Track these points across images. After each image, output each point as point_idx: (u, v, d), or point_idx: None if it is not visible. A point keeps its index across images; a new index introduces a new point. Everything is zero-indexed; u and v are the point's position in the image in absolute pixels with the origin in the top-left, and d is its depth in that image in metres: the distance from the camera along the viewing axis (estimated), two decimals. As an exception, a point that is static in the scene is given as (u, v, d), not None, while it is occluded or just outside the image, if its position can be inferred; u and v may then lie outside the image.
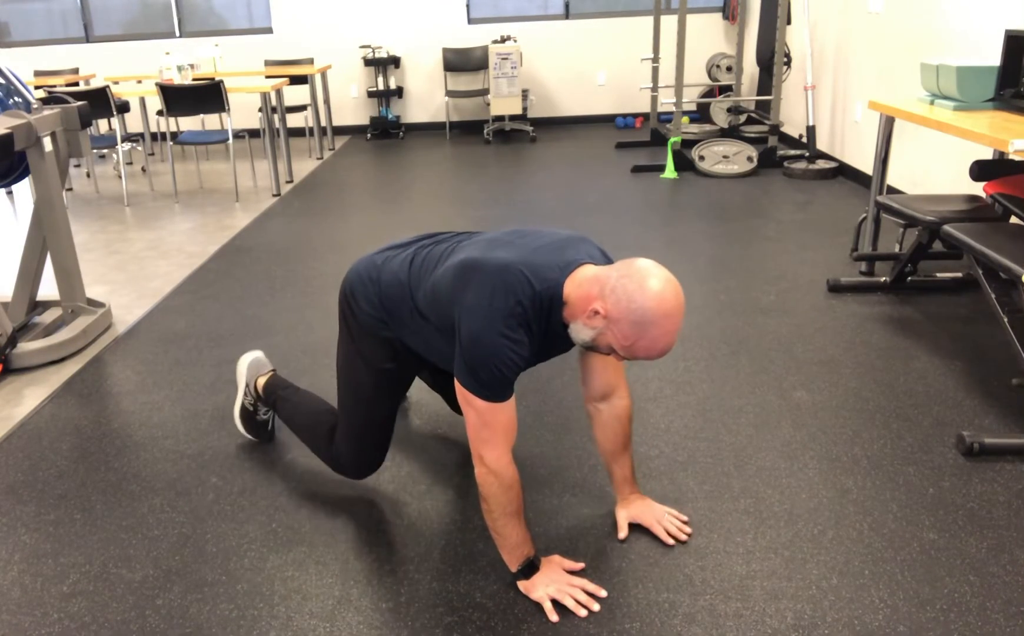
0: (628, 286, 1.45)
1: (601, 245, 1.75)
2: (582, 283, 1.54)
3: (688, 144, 6.07)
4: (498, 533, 1.67)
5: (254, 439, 2.35)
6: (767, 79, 6.34)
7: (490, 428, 1.58)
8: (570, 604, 1.64)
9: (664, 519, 1.87)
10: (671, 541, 1.84)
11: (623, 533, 1.86)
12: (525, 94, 7.63)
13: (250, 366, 2.31)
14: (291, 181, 5.91)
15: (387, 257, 1.86)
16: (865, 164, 5.03)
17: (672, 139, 5.55)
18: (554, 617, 1.62)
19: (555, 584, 1.68)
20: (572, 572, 1.74)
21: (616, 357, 1.55)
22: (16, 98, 3.08)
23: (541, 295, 1.54)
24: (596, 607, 1.64)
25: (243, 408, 2.32)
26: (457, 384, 1.58)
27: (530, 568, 1.69)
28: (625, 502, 1.91)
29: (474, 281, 1.56)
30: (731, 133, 6.57)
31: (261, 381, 2.28)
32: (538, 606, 1.66)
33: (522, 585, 1.70)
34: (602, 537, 1.87)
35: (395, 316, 1.82)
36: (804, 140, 6.09)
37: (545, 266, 1.56)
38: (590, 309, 1.50)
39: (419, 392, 2.61)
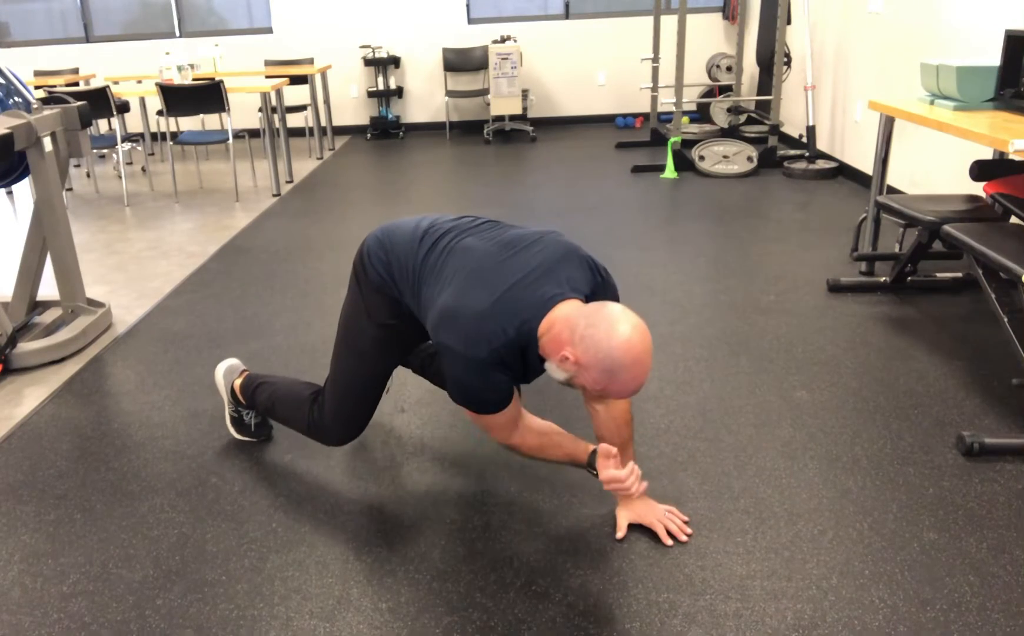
0: (596, 335, 1.49)
1: (598, 248, 1.79)
2: (554, 325, 1.57)
3: (688, 144, 6.07)
4: (552, 463, 1.84)
5: (254, 440, 2.36)
6: (767, 79, 6.34)
7: (493, 430, 1.73)
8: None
9: (664, 518, 1.87)
10: (671, 541, 1.84)
11: (621, 533, 1.86)
12: (525, 94, 7.63)
13: (225, 374, 2.32)
14: (291, 181, 5.91)
15: (403, 230, 1.89)
16: (865, 164, 5.03)
17: (672, 139, 5.55)
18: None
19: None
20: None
21: (588, 395, 1.67)
22: (16, 98, 3.08)
23: (516, 341, 1.60)
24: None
25: (231, 416, 2.35)
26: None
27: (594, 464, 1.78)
28: (625, 502, 1.91)
29: (452, 328, 1.62)
30: (731, 133, 6.57)
31: (237, 383, 2.29)
32: (536, 606, 1.66)
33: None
34: (602, 537, 1.87)
35: (400, 287, 1.86)
36: (804, 140, 6.09)
37: (521, 306, 1.60)
38: (560, 355, 1.54)
39: (419, 392, 2.61)
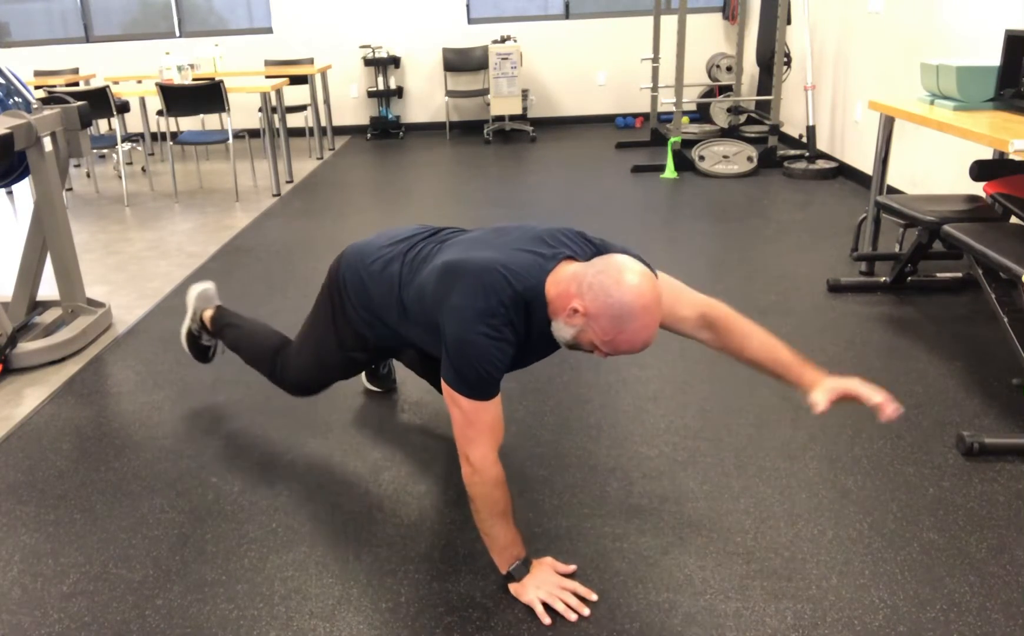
0: (605, 282, 1.47)
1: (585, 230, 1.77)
2: (560, 281, 1.56)
3: (688, 144, 6.07)
4: (487, 534, 1.67)
5: (197, 361, 2.52)
6: (767, 79, 6.34)
7: (475, 427, 1.59)
8: (560, 608, 1.64)
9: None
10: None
11: (823, 407, 1.62)
12: (525, 94, 7.63)
13: (199, 296, 2.45)
14: (291, 181, 5.91)
15: (379, 260, 1.88)
16: (865, 164, 5.03)
17: (672, 139, 5.55)
18: (546, 620, 1.62)
19: (545, 587, 1.67)
20: (565, 575, 1.74)
21: (599, 354, 1.56)
22: (16, 98, 3.07)
23: (522, 295, 1.56)
24: (586, 611, 1.64)
25: (189, 332, 2.47)
26: (443, 384, 1.60)
27: (520, 569, 1.69)
28: (812, 382, 1.68)
29: (456, 283, 1.59)
30: (731, 133, 6.57)
31: (208, 313, 2.40)
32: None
33: (513, 587, 1.69)
34: (602, 537, 1.87)
35: (382, 320, 1.89)
36: (804, 140, 6.09)
37: (525, 265, 1.59)
38: (569, 308, 1.52)
39: (419, 392, 2.61)
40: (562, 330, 1.56)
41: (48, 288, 3.71)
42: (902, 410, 1.71)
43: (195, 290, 2.46)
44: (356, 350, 2.03)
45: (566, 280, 1.55)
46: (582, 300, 1.50)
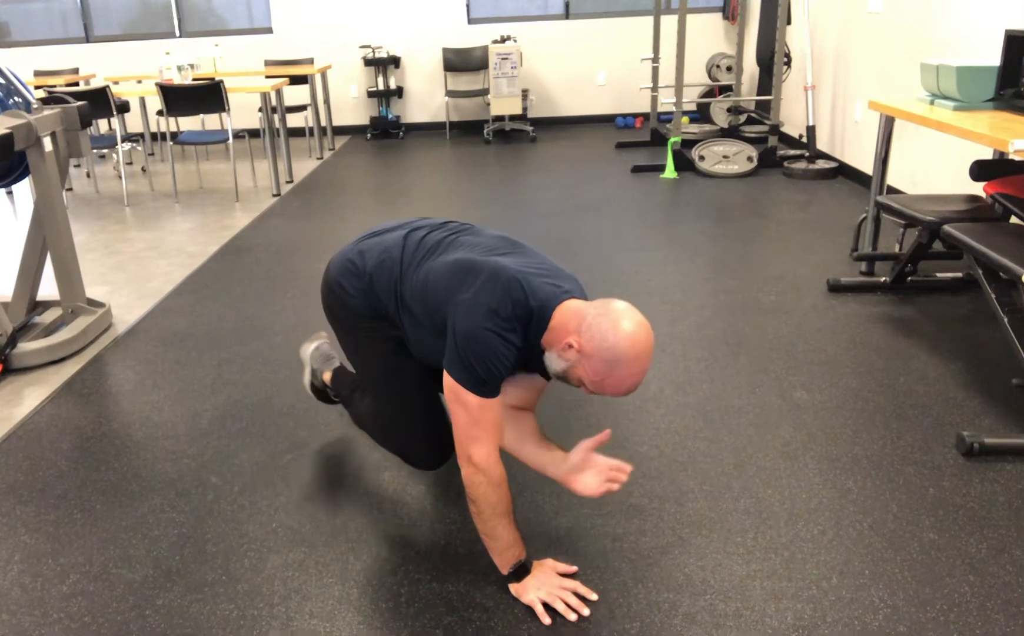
0: (603, 325, 1.51)
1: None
2: (564, 313, 1.59)
3: (688, 144, 6.07)
4: (488, 535, 1.67)
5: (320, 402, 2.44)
6: (767, 79, 6.34)
7: (480, 425, 1.59)
8: (560, 608, 1.64)
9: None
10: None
11: (579, 459, 1.72)
12: (525, 94, 7.62)
13: (314, 355, 2.34)
14: (291, 181, 5.91)
15: (369, 246, 1.87)
16: (865, 164, 5.03)
17: (672, 139, 5.55)
18: (546, 620, 1.62)
19: (546, 587, 1.67)
20: (565, 575, 1.74)
21: (585, 390, 1.60)
22: (16, 98, 3.08)
23: (533, 310, 1.59)
24: (586, 611, 1.64)
25: (312, 386, 2.36)
26: (447, 380, 1.60)
27: (521, 570, 1.69)
28: (564, 461, 1.76)
29: (471, 279, 1.60)
30: (731, 133, 6.57)
31: (327, 376, 2.28)
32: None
33: (513, 588, 1.69)
34: (602, 537, 1.87)
35: (379, 311, 1.84)
36: (804, 140, 6.09)
37: (540, 286, 1.61)
38: (565, 342, 1.55)
39: (419, 392, 2.61)
40: (554, 362, 1.60)
41: (48, 288, 3.71)
42: (608, 489, 1.72)
43: (308, 348, 2.35)
44: (397, 354, 1.88)
45: (568, 313, 1.58)
46: (579, 338, 1.54)
